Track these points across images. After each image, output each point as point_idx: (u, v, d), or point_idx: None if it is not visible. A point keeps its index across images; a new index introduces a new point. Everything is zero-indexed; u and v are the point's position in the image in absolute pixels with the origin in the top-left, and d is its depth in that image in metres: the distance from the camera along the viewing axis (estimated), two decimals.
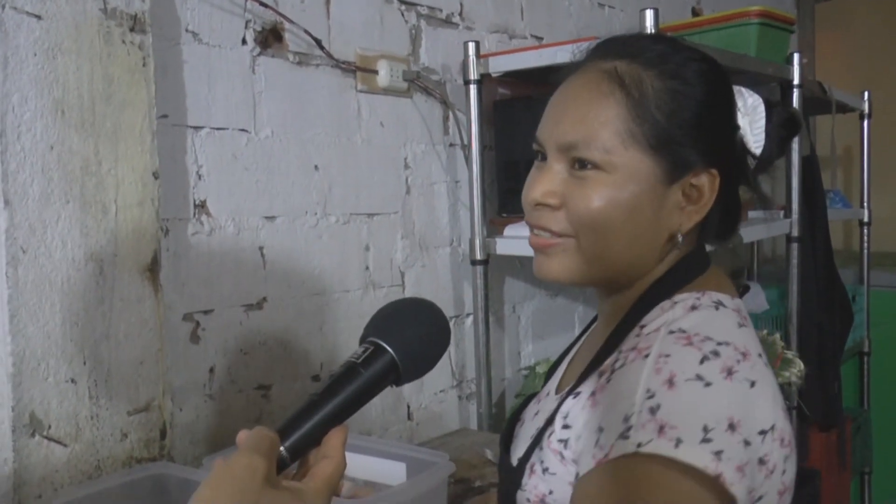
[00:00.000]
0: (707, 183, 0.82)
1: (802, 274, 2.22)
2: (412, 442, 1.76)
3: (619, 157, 0.79)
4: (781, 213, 2.27)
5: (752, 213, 2.31)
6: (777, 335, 2.03)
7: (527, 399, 0.99)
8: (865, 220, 2.92)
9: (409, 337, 0.73)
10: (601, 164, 0.79)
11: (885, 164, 3.16)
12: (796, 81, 2.15)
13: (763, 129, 0.86)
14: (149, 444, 1.26)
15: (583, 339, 1.00)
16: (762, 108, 0.86)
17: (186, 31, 1.40)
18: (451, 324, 1.90)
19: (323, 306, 1.62)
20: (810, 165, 2.37)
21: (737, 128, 0.86)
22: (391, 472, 1.27)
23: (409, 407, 1.82)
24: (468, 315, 1.93)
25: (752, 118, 0.86)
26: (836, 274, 2.57)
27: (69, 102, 1.15)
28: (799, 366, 1.98)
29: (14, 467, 1.11)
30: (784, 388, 1.99)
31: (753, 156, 0.87)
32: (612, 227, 0.80)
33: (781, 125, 0.88)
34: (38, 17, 1.12)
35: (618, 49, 0.84)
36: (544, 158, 0.85)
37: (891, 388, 3.03)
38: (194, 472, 1.18)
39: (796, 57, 2.16)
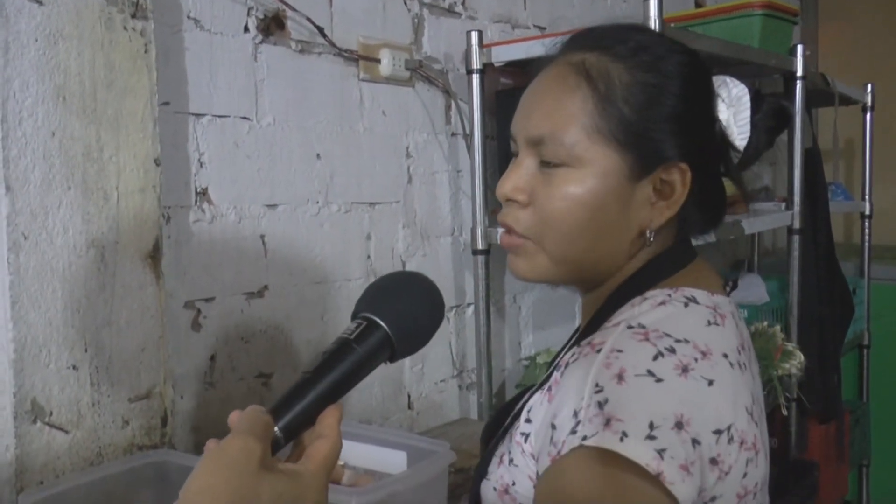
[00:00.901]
0: (678, 178, 0.80)
1: (803, 266, 2.21)
2: (412, 431, 1.76)
3: (584, 151, 0.78)
4: (783, 204, 2.26)
5: (754, 205, 2.31)
6: (777, 327, 2.03)
7: (523, 391, 0.99)
8: (867, 212, 2.91)
9: (402, 311, 0.71)
10: (567, 159, 0.78)
11: (887, 157, 3.15)
12: (799, 73, 2.14)
13: (747, 120, 0.83)
14: (150, 432, 1.26)
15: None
16: (747, 98, 0.83)
17: (188, 17, 1.39)
18: (452, 313, 1.90)
19: (324, 295, 1.62)
20: (812, 158, 2.36)
21: (714, 121, 0.83)
22: (392, 460, 1.27)
23: (409, 396, 1.82)
24: (469, 305, 1.93)
25: (736, 109, 0.83)
26: (836, 266, 2.56)
27: (70, 89, 1.15)
28: (799, 358, 1.98)
29: (16, 453, 1.11)
30: (784, 379, 1.99)
31: (736, 148, 0.84)
32: (577, 226, 0.79)
33: (770, 116, 0.86)
34: (40, 3, 1.12)
35: (590, 41, 0.82)
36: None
37: (890, 381, 3.04)
38: (195, 459, 1.17)
39: (800, 48, 2.15)
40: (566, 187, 0.78)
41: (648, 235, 0.81)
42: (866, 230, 2.92)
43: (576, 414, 0.69)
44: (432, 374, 1.87)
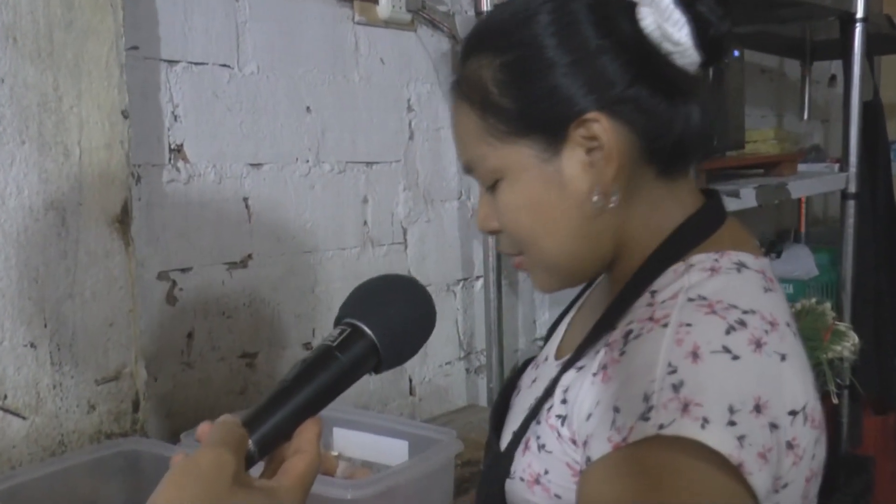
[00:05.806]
0: (596, 127, 0.79)
1: (859, 235, 2.20)
2: (414, 419, 1.76)
3: (496, 159, 0.82)
4: (836, 166, 2.24)
5: (802, 167, 2.29)
6: (827, 304, 2.02)
7: (524, 365, 0.99)
8: None
9: (391, 318, 0.72)
10: (492, 174, 0.83)
11: None
12: (860, 14, 2.11)
13: (672, 5, 0.77)
14: (119, 417, 1.27)
15: (583, 298, 1.00)
16: None
17: None
18: (459, 288, 1.90)
19: (315, 265, 1.62)
20: (873, 112, 2.34)
21: (602, 47, 0.79)
22: (392, 450, 1.28)
23: (410, 381, 1.82)
24: (478, 278, 1.92)
25: (654, 4, 0.78)
26: None
27: (22, 28, 1.13)
28: (853, 339, 1.97)
29: None
30: (835, 363, 1.98)
31: (675, 41, 0.78)
32: (531, 230, 0.83)
33: None
34: None
35: (467, 49, 0.86)
36: None
37: None
38: (170, 448, 1.19)
39: None
40: (504, 200, 0.84)
41: (610, 195, 0.80)
42: None
43: (647, 398, 0.69)
44: (436, 356, 1.87)
